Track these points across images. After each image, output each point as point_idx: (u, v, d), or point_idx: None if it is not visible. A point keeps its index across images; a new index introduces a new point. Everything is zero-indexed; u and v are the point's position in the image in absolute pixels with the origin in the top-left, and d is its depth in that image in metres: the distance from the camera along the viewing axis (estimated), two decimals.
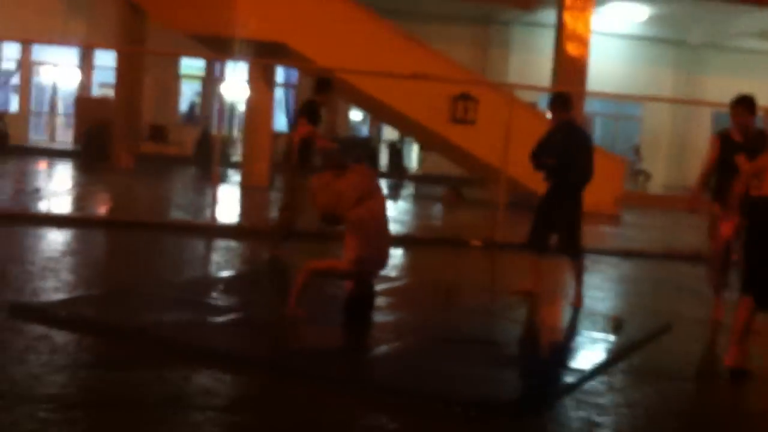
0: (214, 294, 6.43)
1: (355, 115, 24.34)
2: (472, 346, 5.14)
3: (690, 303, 8.17)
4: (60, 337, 4.95)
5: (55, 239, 8.91)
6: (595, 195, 10.85)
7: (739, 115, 6.49)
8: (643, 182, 23.86)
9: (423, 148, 22.45)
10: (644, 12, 22.11)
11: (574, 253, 7.26)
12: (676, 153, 25.53)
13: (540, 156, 7.24)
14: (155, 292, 6.31)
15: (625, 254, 11.05)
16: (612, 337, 6.03)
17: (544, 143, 7.33)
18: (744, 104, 6.50)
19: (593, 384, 4.83)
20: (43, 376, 4.21)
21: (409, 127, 17.79)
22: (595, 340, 5.93)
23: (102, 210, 11.62)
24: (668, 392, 4.91)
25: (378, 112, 18.71)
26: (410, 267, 9.27)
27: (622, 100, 24.92)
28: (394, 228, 9.54)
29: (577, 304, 7.12)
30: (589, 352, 5.62)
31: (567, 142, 7.11)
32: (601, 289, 8.47)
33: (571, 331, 6.50)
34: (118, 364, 4.60)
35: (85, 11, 21.06)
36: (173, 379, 4.38)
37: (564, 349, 5.89)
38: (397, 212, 13.41)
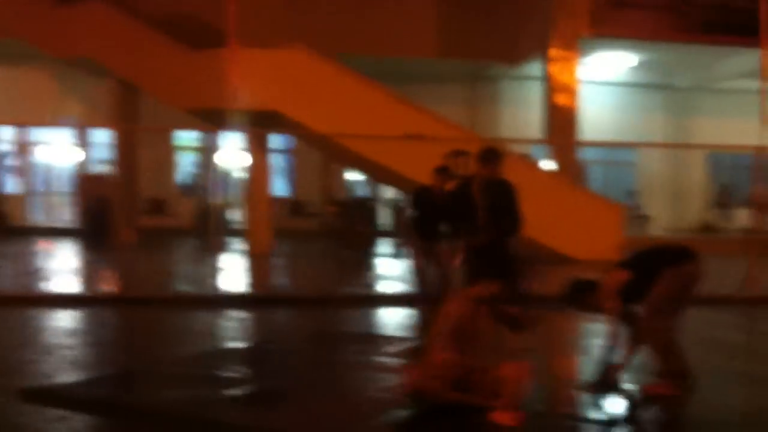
0: (230, 366, 6.42)
1: (353, 175, 24.45)
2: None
3: (703, 350, 8.14)
4: (78, 420, 4.92)
5: (63, 320, 8.91)
6: (594, 242, 10.89)
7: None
8: (644, 225, 23.92)
9: None
10: (631, 59, 22.45)
11: (523, 301, 7.37)
12: (673, 195, 25.68)
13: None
14: (169, 369, 6.30)
15: None
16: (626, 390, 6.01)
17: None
18: None
19: None
20: None
21: (407, 186, 17.89)
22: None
23: (109, 287, 11.62)
24: None
25: (375, 173, 18.85)
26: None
27: (614, 147, 25.16)
28: (403, 287, 9.56)
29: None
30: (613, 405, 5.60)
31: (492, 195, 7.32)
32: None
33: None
34: None
35: (80, 91, 21.35)
36: None
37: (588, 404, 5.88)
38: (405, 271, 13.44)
